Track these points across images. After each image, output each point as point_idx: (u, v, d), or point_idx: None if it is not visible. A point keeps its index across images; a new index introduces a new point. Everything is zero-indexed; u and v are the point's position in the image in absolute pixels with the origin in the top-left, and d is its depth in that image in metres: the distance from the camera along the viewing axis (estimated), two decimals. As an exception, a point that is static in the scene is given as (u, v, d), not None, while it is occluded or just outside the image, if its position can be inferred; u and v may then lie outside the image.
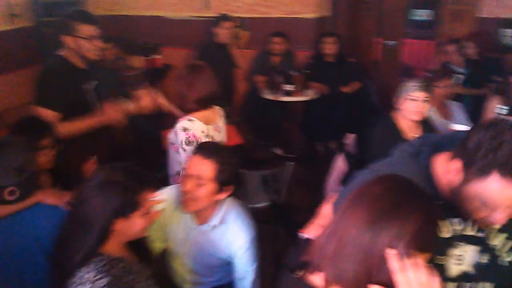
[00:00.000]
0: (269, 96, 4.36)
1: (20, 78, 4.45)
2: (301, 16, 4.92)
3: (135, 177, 1.32)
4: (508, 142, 0.97)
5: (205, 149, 1.64)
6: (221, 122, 2.39)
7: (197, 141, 2.12)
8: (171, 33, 5.28)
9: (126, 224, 1.31)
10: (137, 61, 4.30)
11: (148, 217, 1.35)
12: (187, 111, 2.20)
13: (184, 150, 2.12)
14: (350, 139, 2.98)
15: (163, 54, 5.18)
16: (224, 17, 4.23)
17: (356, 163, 2.85)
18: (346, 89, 4.45)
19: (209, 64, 4.11)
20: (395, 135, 2.44)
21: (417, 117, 2.42)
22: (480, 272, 1.19)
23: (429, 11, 5.16)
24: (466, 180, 1.03)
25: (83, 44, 2.28)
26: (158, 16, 5.32)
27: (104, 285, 1.22)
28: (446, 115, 3.10)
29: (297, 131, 4.87)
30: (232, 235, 1.72)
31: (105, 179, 1.30)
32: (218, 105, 2.41)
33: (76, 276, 1.24)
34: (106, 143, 2.53)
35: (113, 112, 2.36)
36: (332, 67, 4.49)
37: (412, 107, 2.40)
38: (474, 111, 3.30)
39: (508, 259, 1.19)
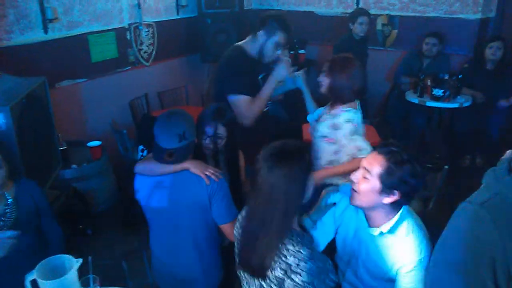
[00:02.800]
0: (414, 99, 4.12)
1: (179, 64, 4.96)
2: (460, 16, 4.53)
3: (296, 142, 1.46)
4: None
5: (386, 145, 1.54)
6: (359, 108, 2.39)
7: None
8: (318, 29, 5.32)
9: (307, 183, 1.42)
10: (284, 55, 4.43)
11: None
12: (344, 101, 2.21)
13: (350, 140, 2.15)
14: (507, 155, 2.66)
15: (308, 50, 5.25)
16: (360, 12, 4.16)
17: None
18: (503, 103, 3.98)
19: None
20: None
21: None
22: None
23: None
24: None
25: (269, 48, 2.42)
26: (310, 12, 5.39)
27: (306, 257, 1.36)
28: None
29: (440, 140, 4.53)
30: (400, 249, 1.54)
31: (281, 152, 1.41)
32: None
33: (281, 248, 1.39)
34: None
35: None
36: (491, 75, 4.05)
37: None
38: None
39: None
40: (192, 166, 1.81)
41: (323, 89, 2.23)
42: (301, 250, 1.37)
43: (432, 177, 3.02)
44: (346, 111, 2.17)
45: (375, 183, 1.48)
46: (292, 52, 4.98)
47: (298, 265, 1.36)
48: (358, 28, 4.14)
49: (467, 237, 1.08)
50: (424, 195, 2.93)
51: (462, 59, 4.41)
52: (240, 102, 2.40)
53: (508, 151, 2.73)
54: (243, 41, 2.55)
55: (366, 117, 4.14)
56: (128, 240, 3.20)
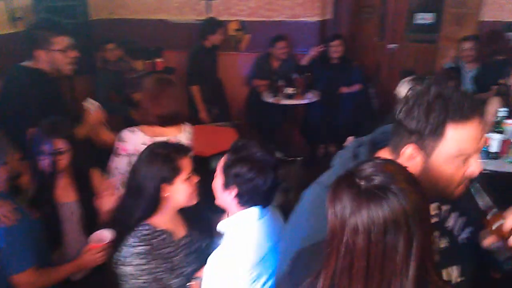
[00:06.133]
0: (270, 99, 4.36)
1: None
2: (303, 19, 4.91)
3: (173, 147, 1.59)
4: (439, 95, 0.97)
5: (234, 142, 1.53)
6: (183, 137, 2.26)
7: (130, 154, 2.08)
8: (174, 36, 5.29)
9: (172, 190, 1.53)
10: (139, 64, 4.32)
11: (190, 183, 1.56)
12: (148, 124, 2.15)
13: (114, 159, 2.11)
14: (350, 141, 2.96)
15: (165, 57, 5.19)
16: (215, 22, 4.30)
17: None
18: (344, 89, 4.45)
19: (199, 67, 4.22)
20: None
21: None
22: (444, 257, 1.15)
23: (431, 14, 5.13)
24: (427, 153, 1.01)
25: (58, 57, 2.19)
26: (162, 20, 5.33)
27: (142, 251, 1.45)
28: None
29: (298, 134, 4.86)
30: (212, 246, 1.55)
31: (149, 152, 1.57)
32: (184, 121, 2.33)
33: (125, 240, 1.50)
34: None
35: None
36: (334, 69, 4.50)
37: None
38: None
39: (464, 235, 1.18)
40: None
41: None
42: (139, 244, 1.47)
43: (291, 169, 3.23)
44: (129, 131, 2.12)
45: (220, 178, 1.48)
46: (149, 60, 4.87)
47: (126, 257, 1.46)
48: (214, 39, 4.26)
49: (310, 216, 1.14)
50: (285, 187, 3.12)
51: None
52: None
53: (350, 138, 3.05)
54: (25, 62, 2.26)
55: (229, 120, 4.30)
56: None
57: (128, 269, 1.45)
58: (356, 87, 4.50)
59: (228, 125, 3.96)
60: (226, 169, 1.46)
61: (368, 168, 0.92)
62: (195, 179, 1.59)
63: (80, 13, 4.45)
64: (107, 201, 1.89)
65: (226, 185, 1.47)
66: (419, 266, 0.87)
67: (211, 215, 1.77)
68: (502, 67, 3.79)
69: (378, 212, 0.86)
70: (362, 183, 0.90)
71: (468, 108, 0.97)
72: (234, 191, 1.46)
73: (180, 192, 1.54)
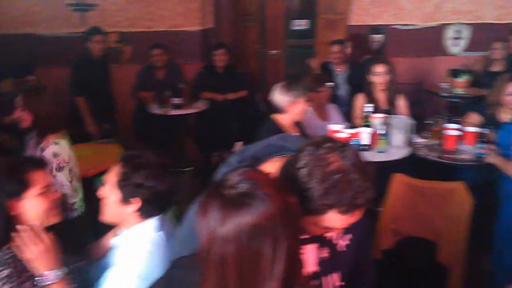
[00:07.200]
0: (157, 111, 4.27)
1: None
2: (184, 29, 4.91)
3: (24, 159, 1.51)
4: (340, 181, 0.95)
5: (124, 154, 1.49)
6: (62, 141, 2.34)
7: (66, 164, 2.11)
8: (47, 51, 4.90)
9: (23, 206, 1.39)
10: (7, 84, 3.93)
11: (46, 198, 1.43)
12: (54, 131, 2.15)
13: (55, 176, 2.05)
14: (238, 147, 3.01)
15: (38, 74, 4.79)
16: (94, 31, 4.17)
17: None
18: (231, 96, 4.53)
19: (84, 80, 4.03)
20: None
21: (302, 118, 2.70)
22: (325, 266, 1.22)
23: (306, 20, 5.45)
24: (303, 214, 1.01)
25: None
26: (29, 34, 4.91)
27: (5, 276, 1.33)
28: (323, 116, 3.30)
29: (190, 143, 4.83)
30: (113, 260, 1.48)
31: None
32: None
33: None
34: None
35: None
36: (221, 77, 4.55)
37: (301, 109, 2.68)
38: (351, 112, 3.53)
39: (344, 243, 1.25)
40: None
41: (26, 123, 2.10)
42: (2, 269, 1.35)
43: (182, 180, 3.17)
44: (55, 143, 2.12)
45: (115, 193, 1.42)
46: (18, 79, 4.45)
47: None
48: (93, 47, 4.12)
49: (191, 234, 1.10)
50: (177, 199, 3.05)
51: (194, 67, 4.78)
52: None
53: (238, 143, 3.10)
54: None
55: (114, 136, 4.10)
56: None
57: None
58: (242, 94, 4.60)
59: (113, 141, 3.77)
60: (123, 181, 1.40)
61: (233, 177, 0.92)
62: (54, 195, 1.47)
63: None
64: None
65: (125, 199, 1.41)
66: (286, 269, 0.88)
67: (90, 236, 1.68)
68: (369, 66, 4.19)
69: (243, 219, 0.86)
70: (228, 192, 0.90)
71: (359, 204, 0.96)
72: (136, 203, 1.41)
73: (32, 208, 1.40)
